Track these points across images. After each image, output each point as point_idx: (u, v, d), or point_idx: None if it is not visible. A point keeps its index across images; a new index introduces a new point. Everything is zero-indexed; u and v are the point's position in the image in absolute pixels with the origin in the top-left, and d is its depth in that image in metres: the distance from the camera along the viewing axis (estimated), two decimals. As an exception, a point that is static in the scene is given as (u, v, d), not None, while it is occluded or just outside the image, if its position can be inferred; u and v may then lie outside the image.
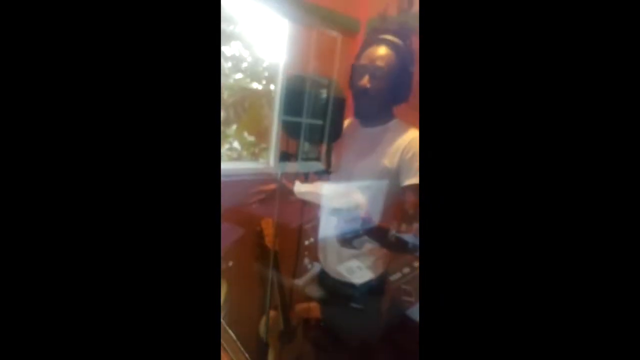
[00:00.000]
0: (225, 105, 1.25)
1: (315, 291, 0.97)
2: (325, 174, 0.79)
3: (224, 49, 1.17)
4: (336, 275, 0.90)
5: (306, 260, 1.00)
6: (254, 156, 1.34)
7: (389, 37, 0.77)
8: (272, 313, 0.97)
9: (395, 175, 0.76)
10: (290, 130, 0.76)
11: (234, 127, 1.30)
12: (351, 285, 0.87)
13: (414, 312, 0.98)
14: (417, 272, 0.97)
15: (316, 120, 0.75)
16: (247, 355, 0.63)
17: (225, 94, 1.24)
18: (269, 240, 1.03)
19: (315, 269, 0.99)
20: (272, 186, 0.87)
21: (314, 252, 0.96)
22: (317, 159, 0.79)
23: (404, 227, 0.68)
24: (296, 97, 0.73)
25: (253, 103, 1.29)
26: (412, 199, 0.73)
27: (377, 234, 0.73)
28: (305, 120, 0.74)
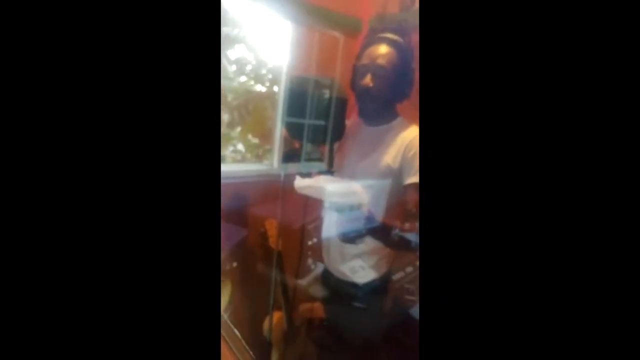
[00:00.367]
0: (229, 108, 1.27)
1: (318, 291, 0.97)
2: (328, 174, 0.79)
3: (229, 52, 1.19)
4: (339, 274, 0.90)
5: (309, 261, 1.00)
6: (258, 158, 1.35)
7: (389, 35, 0.77)
8: (275, 313, 0.98)
9: (398, 173, 0.77)
10: (294, 131, 0.77)
11: (238, 129, 1.31)
12: (354, 285, 0.87)
13: (417, 311, 0.98)
14: (421, 272, 0.96)
15: (319, 121, 0.75)
16: (251, 353, 0.63)
17: (229, 97, 1.26)
18: (272, 241, 1.04)
19: (319, 269, 0.99)
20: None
21: (317, 252, 0.97)
22: (320, 159, 0.80)
23: (407, 225, 0.68)
24: (299, 98, 0.74)
25: (257, 105, 1.30)
26: (415, 197, 0.73)
27: (380, 232, 0.73)
28: (308, 121, 0.75)
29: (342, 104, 0.77)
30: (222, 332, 0.67)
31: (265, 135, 1.33)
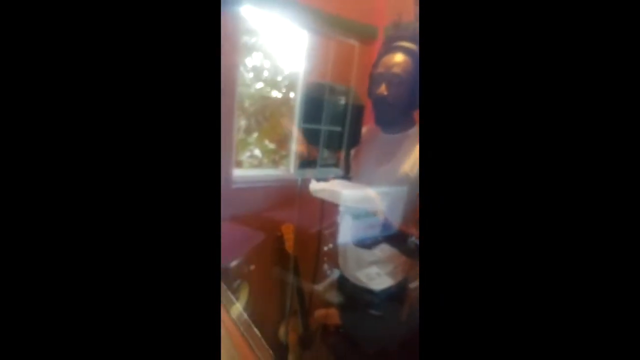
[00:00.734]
0: (246, 114, 1.29)
1: (334, 297, 0.97)
2: (344, 179, 0.80)
3: (246, 60, 1.21)
4: (355, 281, 0.90)
5: (325, 266, 1.01)
6: (275, 163, 1.37)
7: (405, 43, 0.77)
8: (291, 318, 0.98)
9: (414, 182, 0.76)
10: (310, 137, 0.78)
11: (255, 135, 1.34)
12: (370, 292, 0.87)
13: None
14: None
15: (335, 127, 0.76)
16: (271, 352, 0.64)
17: (246, 103, 1.29)
18: (289, 246, 1.05)
19: (335, 274, 0.99)
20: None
21: (333, 258, 0.97)
22: (336, 165, 0.80)
23: (423, 234, 0.68)
24: (315, 104, 0.75)
25: (274, 111, 1.33)
26: None
27: (397, 240, 0.72)
28: (324, 127, 0.75)
29: (358, 111, 0.77)
30: (243, 331, 0.68)
31: (282, 141, 1.35)
